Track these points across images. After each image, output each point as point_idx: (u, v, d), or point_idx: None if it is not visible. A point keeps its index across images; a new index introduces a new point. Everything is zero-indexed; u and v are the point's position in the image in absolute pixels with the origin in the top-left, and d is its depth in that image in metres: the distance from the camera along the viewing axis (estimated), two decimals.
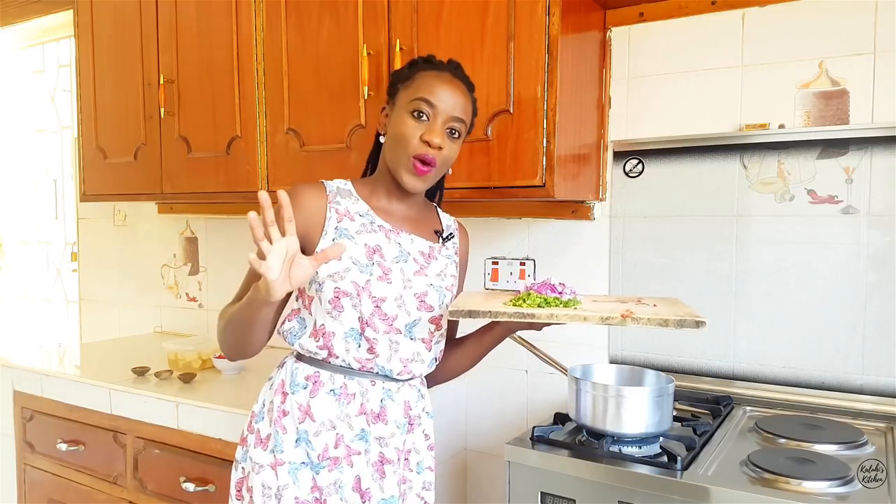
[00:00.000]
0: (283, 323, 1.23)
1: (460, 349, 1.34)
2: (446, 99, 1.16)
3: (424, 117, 1.15)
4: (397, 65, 1.61)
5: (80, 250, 3.03)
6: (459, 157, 1.56)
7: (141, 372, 2.01)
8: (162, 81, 2.08)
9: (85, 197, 2.41)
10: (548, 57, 1.45)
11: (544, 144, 1.47)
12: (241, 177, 1.95)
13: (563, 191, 1.54)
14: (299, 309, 1.22)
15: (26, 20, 3.11)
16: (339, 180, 1.24)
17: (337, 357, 1.16)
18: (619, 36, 1.75)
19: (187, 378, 1.92)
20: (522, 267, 1.90)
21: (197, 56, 2.03)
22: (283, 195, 1.02)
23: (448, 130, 1.16)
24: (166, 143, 2.12)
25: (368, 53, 1.66)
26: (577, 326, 1.82)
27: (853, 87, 1.51)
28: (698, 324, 1.05)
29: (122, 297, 2.87)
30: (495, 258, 1.95)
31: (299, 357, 1.22)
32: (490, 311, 1.12)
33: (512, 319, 1.13)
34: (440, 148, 1.15)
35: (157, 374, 1.99)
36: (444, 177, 1.31)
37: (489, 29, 1.51)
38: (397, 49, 1.62)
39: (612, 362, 1.79)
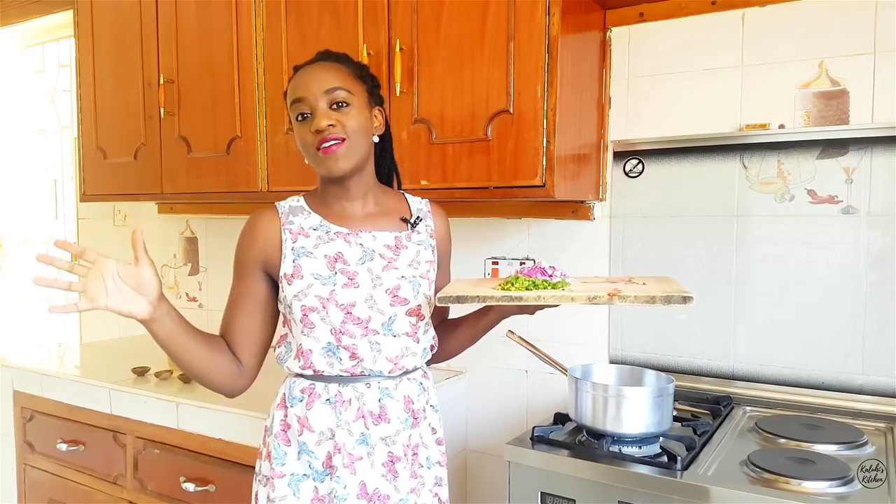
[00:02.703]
0: (274, 349, 1.25)
1: (455, 333, 1.34)
2: (308, 85, 1.15)
3: (306, 115, 1.15)
4: (397, 65, 1.61)
5: None
6: (459, 156, 1.57)
7: (141, 372, 2.01)
8: (162, 81, 2.08)
9: (85, 197, 2.41)
10: (548, 57, 1.45)
11: (544, 144, 1.47)
12: (241, 177, 1.95)
13: (563, 191, 1.54)
14: (286, 334, 1.22)
15: (26, 20, 3.11)
16: (291, 198, 1.24)
17: (323, 373, 1.17)
18: (619, 36, 1.75)
19: (187, 378, 1.92)
20: (522, 267, 1.90)
21: (197, 56, 2.03)
22: (58, 241, 1.04)
23: (331, 106, 1.14)
24: (166, 143, 2.12)
25: (368, 53, 1.66)
26: (577, 325, 1.83)
27: (853, 87, 1.51)
28: (685, 299, 1.05)
29: None
30: (495, 258, 1.95)
31: (296, 373, 1.22)
32: (478, 296, 1.12)
33: (501, 303, 1.13)
34: (331, 126, 1.12)
35: (157, 374, 1.99)
36: (393, 158, 1.31)
37: (489, 29, 1.51)
38: (397, 49, 1.62)
39: (612, 362, 1.79)
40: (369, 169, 1.23)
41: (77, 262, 1.03)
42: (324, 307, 1.14)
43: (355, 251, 1.18)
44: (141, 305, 1.05)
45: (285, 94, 1.22)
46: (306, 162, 1.20)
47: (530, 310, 1.23)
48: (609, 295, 1.08)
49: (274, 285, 1.20)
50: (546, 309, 1.21)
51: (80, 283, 1.02)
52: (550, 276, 1.20)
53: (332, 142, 1.13)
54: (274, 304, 1.22)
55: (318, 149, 1.13)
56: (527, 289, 1.15)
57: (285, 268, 1.16)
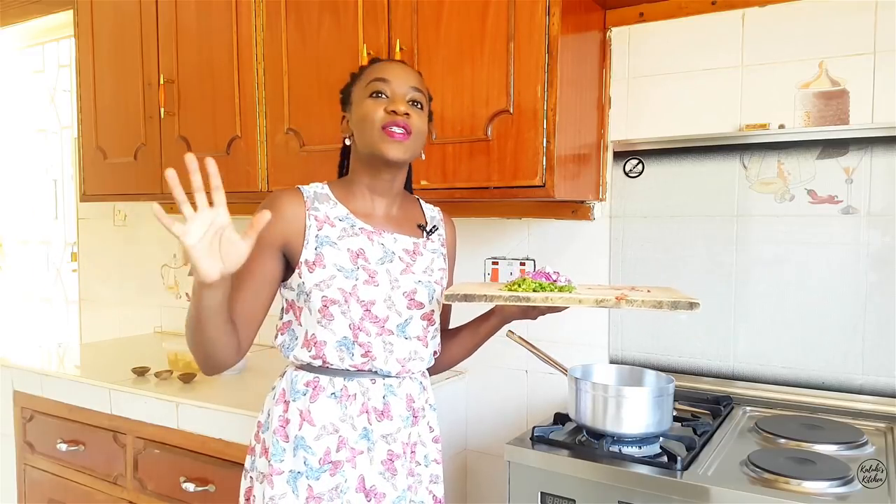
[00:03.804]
0: (276, 337, 1.23)
1: (455, 340, 1.34)
2: (398, 72, 1.17)
3: (383, 95, 1.16)
4: None
5: (80, 250, 3.03)
6: (459, 156, 1.57)
7: (141, 372, 2.01)
8: (162, 81, 2.08)
9: (85, 197, 2.41)
10: (548, 57, 1.45)
11: (544, 144, 1.47)
12: (241, 177, 1.95)
13: (563, 191, 1.54)
14: (290, 321, 1.21)
15: (26, 20, 3.12)
16: (315, 184, 1.22)
17: (332, 365, 1.16)
18: (619, 36, 1.75)
19: (187, 378, 1.92)
20: (522, 267, 1.90)
21: (197, 56, 2.03)
22: (211, 163, 0.96)
23: (410, 102, 1.16)
24: (166, 143, 2.12)
25: (368, 53, 1.66)
26: (577, 325, 1.82)
27: (853, 87, 1.51)
28: (692, 305, 1.06)
29: (122, 297, 2.87)
30: (495, 258, 1.95)
31: (299, 365, 1.21)
32: (486, 296, 1.12)
33: (508, 303, 1.13)
34: (406, 114, 1.14)
35: (157, 374, 1.99)
36: (411, 165, 1.31)
37: (489, 29, 1.51)
38: (397, 49, 1.62)
39: (612, 362, 1.79)
40: (405, 174, 1.25)
41: (205, 193, 0.96)
42: (346, 301, 1.13)
43: (377, 250, 1.18)
44: (214, 268, 0.96)
45: (354, 75, 1.23)
46: (346, 141, 1.21)
47: (533, 314, 1.23)
48: (617, 299, 1.08)
49: (285, 268, 1.18)
50: (548, 314, 1.22)
51: (191, 210, 0.95)
52: (555, 280, 1.20)
53: (402, 129, 1.13)
54: (278, 285, 1.19)
55: (385, 129, 1.13)
56: (534, 290, 1.15)
57: (307, 254, 1.14)
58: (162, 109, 2.09)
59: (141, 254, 2.78)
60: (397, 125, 1.13)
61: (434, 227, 1.28)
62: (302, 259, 1.15)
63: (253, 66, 1.91)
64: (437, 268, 1.25)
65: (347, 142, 1.24)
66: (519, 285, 1.17)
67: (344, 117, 1.25)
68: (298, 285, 1.16)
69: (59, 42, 3.12)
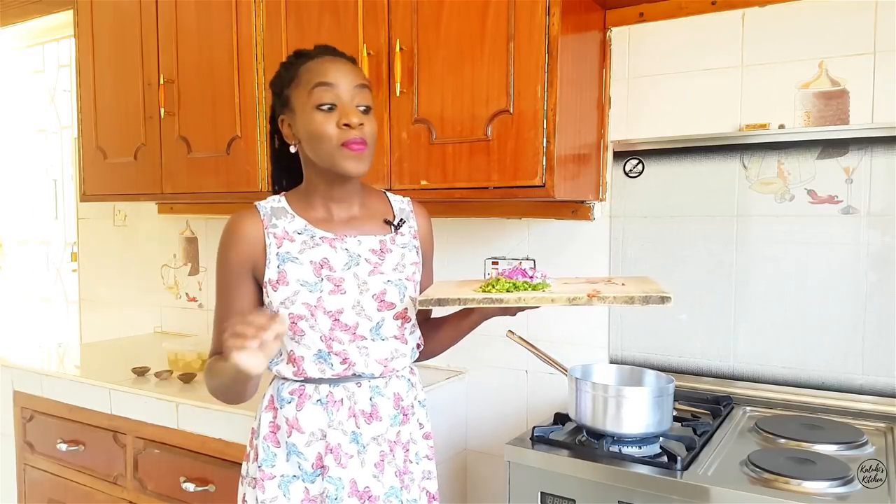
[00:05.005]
0: None
1: (437, 333, 1.33)
2: (343, 73, 1.12)
3: (332, 106, 1.11)
4: (397, 65, 1.61)
5: (80, 250, 3.03)
6: (459, 156, 1.57)
7: (141, 372, 2.01)
8: (162, 81, 2.08)
9: (85, 197, 2.41)
10: (548, 57, 1.45)
11: (544, 144, 1.47)
12: (241, 177, 1.95)
13: (563, 191, 1.54)
14: None
15: (26, 20, 3.12)
16: (272, 198, 1.21)
17: (313, 377, 1.16)
18: (619, 36, 1.75)
19: (187, 378, 1.92)
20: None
21: (197, 56, 2.03)
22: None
23: (359, 108, 1.12)
24: (166, 143, 2.12)
25: (368, 53, 1.66)
26: (577, 325, 1.83)
27: (853, 87, 1.51)
28: (663, 299, 1.05)
29: (122, 297, 2.86)
30: (495, 258, 1.95)
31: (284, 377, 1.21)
32: (459, 299, 1.12)
33: (481, 305, 1.13)
34: (361, 124, 1.10)
35: (157, 375, 1.99)
36: None
37: (489, 29, 1.51)
38: (397, 49, 1.62)
39: (612, 362, 1.79)
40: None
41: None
42: (312, 315, 1.13)
43: (341, 256, 1.16)
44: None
45: (286, 67, 1.17)
46: (309, 153, 1.15)
47: (512, 311, 1.22)
48: (588, 296, 1.09)
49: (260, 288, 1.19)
50: (528, 310, 1.21)
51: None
52: (531, 277, 1.20)
53: (360, 144, 1.10)
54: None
55: (344, 145, 1.10)
56: (507, 290, 1.15)
57: (270, 273, 1.14)
58: (162, 109, 2.09)
59: (141, 254, 2.78)
60: (356, 142, 1.09)
61: (402, 220, 1.25)
62: (266, 278, 1.15)
63: (253, 66, 1.91)
64: (408, 262, 1.22)
65: (293, 149, 1.18)
66: (493, 285, 1.17)
67: (283, 120, 1.18)
68: (268, 304, 1.16)
69: (59, 42, 3.12)
